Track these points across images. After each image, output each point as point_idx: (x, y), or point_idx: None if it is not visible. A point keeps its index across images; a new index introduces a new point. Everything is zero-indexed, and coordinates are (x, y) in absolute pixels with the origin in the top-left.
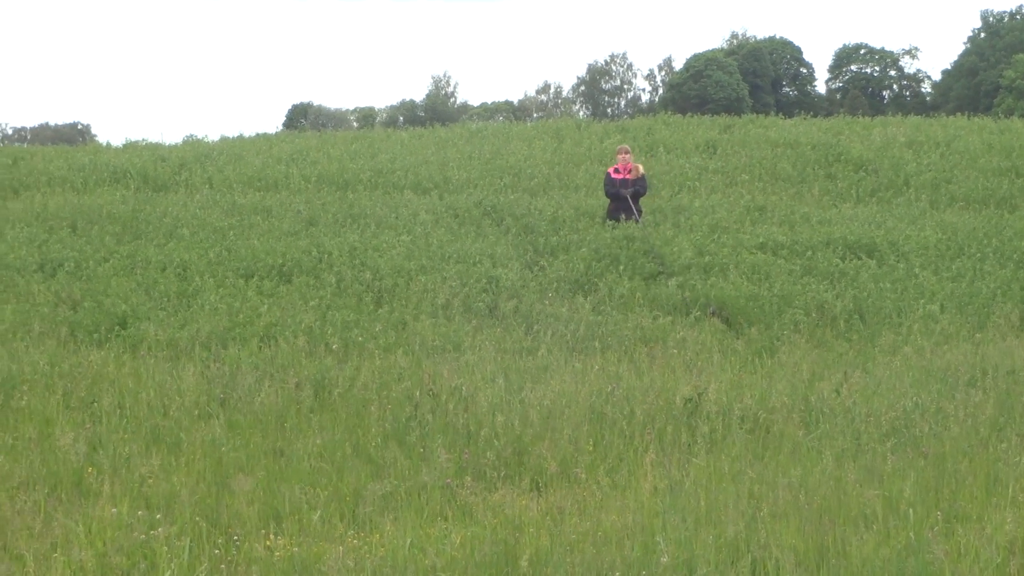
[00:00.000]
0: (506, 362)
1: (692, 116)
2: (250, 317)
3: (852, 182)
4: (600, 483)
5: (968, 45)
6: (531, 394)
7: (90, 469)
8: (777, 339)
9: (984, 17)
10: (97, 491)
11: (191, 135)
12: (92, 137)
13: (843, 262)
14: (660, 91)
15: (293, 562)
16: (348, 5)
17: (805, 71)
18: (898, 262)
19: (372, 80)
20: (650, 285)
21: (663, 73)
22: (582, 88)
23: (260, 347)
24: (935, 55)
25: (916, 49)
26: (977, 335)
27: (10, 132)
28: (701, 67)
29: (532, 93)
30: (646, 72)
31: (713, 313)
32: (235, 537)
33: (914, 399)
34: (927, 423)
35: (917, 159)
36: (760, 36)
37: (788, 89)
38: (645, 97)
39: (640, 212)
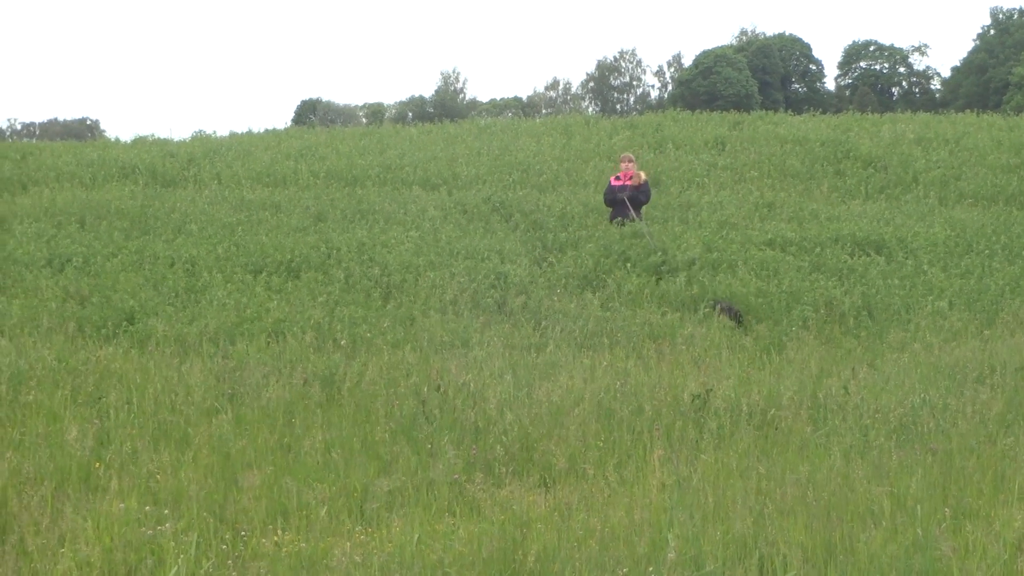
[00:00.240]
0: (514, 358)
1: (701, 113)
2: (258, 313)
3: (861, 179)
4: (608, 479)
5: (977, 42)
6: (539, 390)
7: (97, 464)
8: (785, 335)
9: (994, 14)
10: (104, 486)
11: (200, 131)
12: (101, 132)
13: (852, 259)
14: (669, 87)
15: (300, 558)
16: (357, 1)
17: (814, 68)
18: (907, 259)
19: (381, 76)
20: (658, 281)
21: (672, 69)
22: (591, 84)
23: (268, 343)
24: (944, 52)
25: (925, 46)
26: (986, 332)
27: (19, 128)
28: (710, 64)
29: (541, 89)
30: (655, 68)
31: (724, 311)
32: (242, 533)
33: (922, 396)
34: (935, 420)
35: (926, 156)
36: (769, 33)
37: (797, 86)
38: (654, 93)
39: (641, 218)
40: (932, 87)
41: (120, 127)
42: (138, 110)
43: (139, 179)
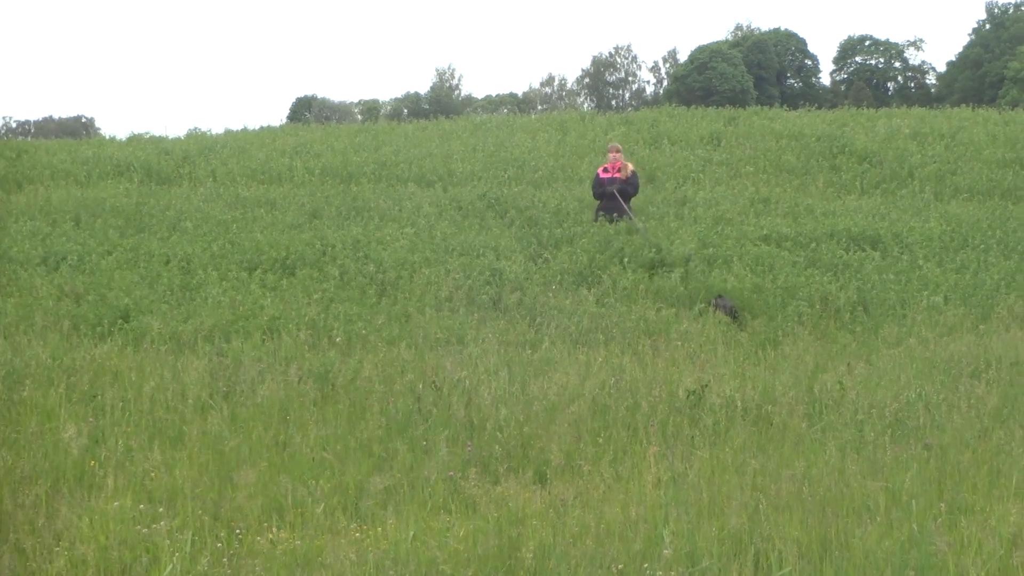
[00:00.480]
0: (510, 355)
1: (696, 108)
2: (253, 310)
3: (856, 174)
4: (603, 475)
5: (973, 36)
6: (534, 387)
7: (92, 463)
8: (781, 331)
9: (989, 8)
10: (100, 485)
11: (195, 128)
12: (96, 130)
13: (847, 254)
14: (665, 83)
15: (295, 555)
16: None
17: (810, 63)
18: (902, 254)
19: (376, 73)
20: (653, 277)
21: (668, 65)
22: (586, 80)
23: (263, 340)
24: (940, 46)
25: (921, 41)
26: (981, 326)
27: (14, 126)
28: (706, 59)
29: (536, 85)
30: (651, 64)
31: (720, 308)
32: (237, 530)
33: (917, 391)
34: (930, 415)
35: (921, 151)
36: (765, 28)
37: (793, 81)
38: (650, 89)
39: (631, 211)
40: (927, 82)
41: (115, 125)
42: (133, 108)
43: (134, 177)
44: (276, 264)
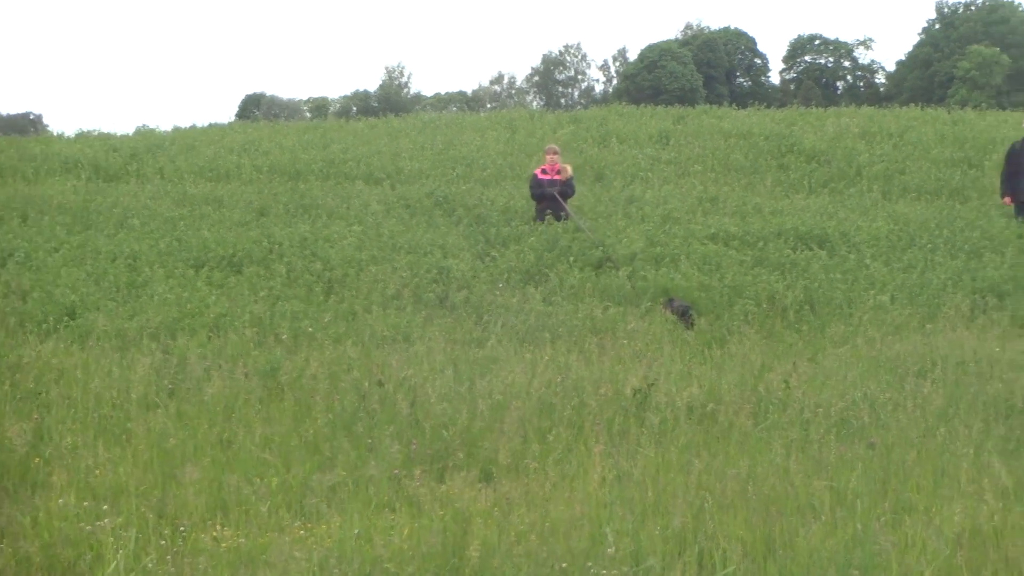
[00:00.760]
0: (456, 353)
1: (646, 107)
2: (199, 308)
3: (804, 173)
4: (549, 474)
5: (922, 36)
6: (481, 385)
7: (37, 460)
8: (727, 330)
9: (939, 8)
10: (44, 482)
11: (143, 125)
12: (44, 128)
13: (794, 253)
14: (614, 82)
15: (240, 553)
16: None
17: (759, 62)
18: (849, 253)
19: (325, 71)
20: (600, 276)
21: (617, 64)
22: (536, 78)
23: (209, 338)
24: (889, 46)
25: (870, 40)
26: (928, 326)
27: None
28: (655, 58)
29: (486, 83)
30: (600, 62)
31: (673, 310)
32: (182, 528)
33: (863, 390)
34: (876, 414)
35: (870, 150)
36: (715, 27)
37: (742, 80)
38: (599, 88)
39: (572, 213)
40: (877, 81)
41: (63, 122)
42: (82, 105)
43: (82, 174)
44: (223, 262)
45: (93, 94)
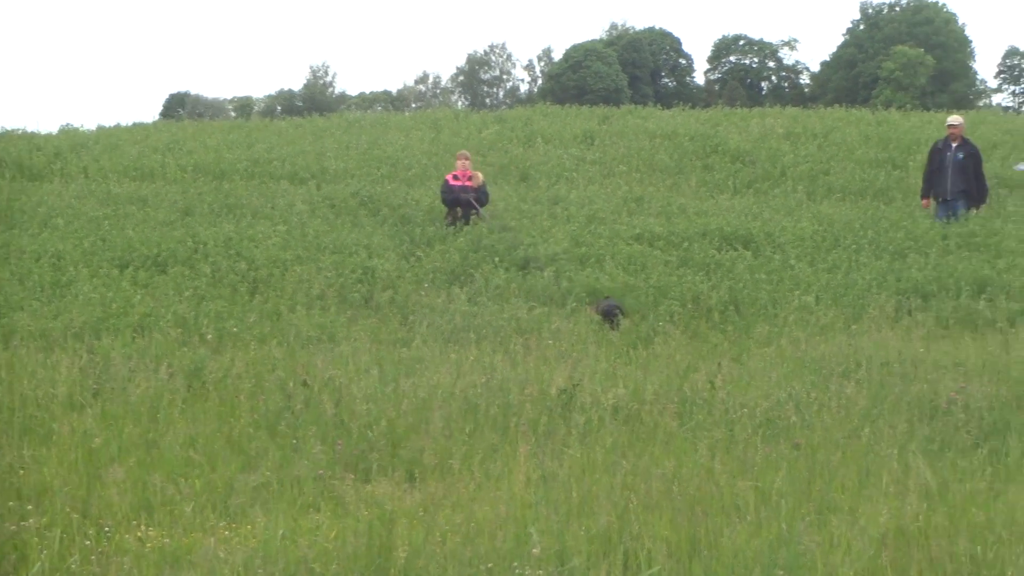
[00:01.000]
0: (381, 353)
1: (571, 107)
2: (124, 307)
3: (729, 173)
4: (474, 474)
5: (847, 37)
6: (406, 385)
7: None
8: (653, 330)
9: (863, 9)
10: None
11: (68, 124)
12: None
13: (719, 253)
14: (539, 82)
15: (164, 553)
16: None
17: (684, 62)
18: (774, 253)
19: (250, 70)
20: (526, 276)
21: (542, 64)
22: (461, 78)
23: (134, 338)
24: (814, 47)
25: (795, 40)
26: (852, 326)
27: None
28: (580, 58)
29: (411, 83)
30: (525, 62)
31: (600, 311)
32: (106, 528)
33: (788, 390)
34: (800, 415)
35: (794, 150)
36: (639, 27)
37: (667, 80)
38: (524, 87)
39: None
40: (801, 82)
41: None
42: (4, 104)
43: (5, 172)
44: (148, 261)
45: (16, 93)
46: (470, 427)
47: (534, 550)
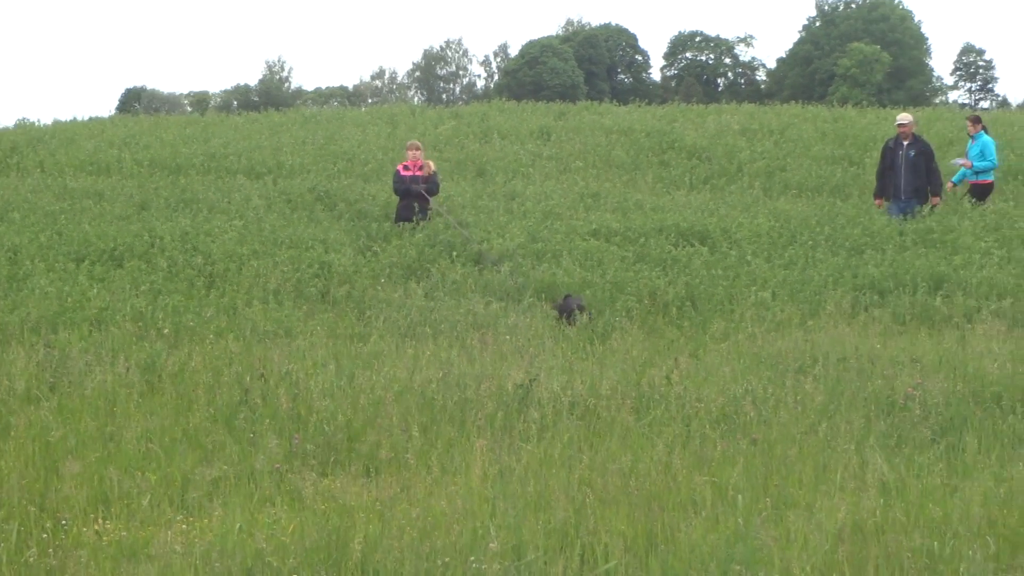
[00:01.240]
0: (338, 347)
1: (527, 103)
2: (80, 301)
3: (685, 169)
4: (431, 469)
5: (803, 33)
6: (363, 379)
7: None
8: (609, 326)
9: (819, 6)
10: None
11: (24, 118)
12: None
13: (676, 249)
14: (495, 77)
15: (122, 546)
16: None
17: (640, 58)
18: (730, 249)
19: (206, 65)
20: (482, 271)
21: (498, 59)
22: (417, 74)
23: (91, 332)
24: (770, 43)
25: (751, 37)
26: (809, 322)
27: None
28: (536, 53)
29: (367, 78)
30: (481, 58)
31: (558, 308)
32: (63, 521)
33: (744, 386)
34: (757, 410)
35: (751, 147)
36: (596, 23)
37: (623, 76)
38: (480, 83)
39: (437, 209)
40: (757, 78)
41: None
42: None
43: None
44: (104, 255)
45: None
46: (427, 422)
47: (491, 544)
